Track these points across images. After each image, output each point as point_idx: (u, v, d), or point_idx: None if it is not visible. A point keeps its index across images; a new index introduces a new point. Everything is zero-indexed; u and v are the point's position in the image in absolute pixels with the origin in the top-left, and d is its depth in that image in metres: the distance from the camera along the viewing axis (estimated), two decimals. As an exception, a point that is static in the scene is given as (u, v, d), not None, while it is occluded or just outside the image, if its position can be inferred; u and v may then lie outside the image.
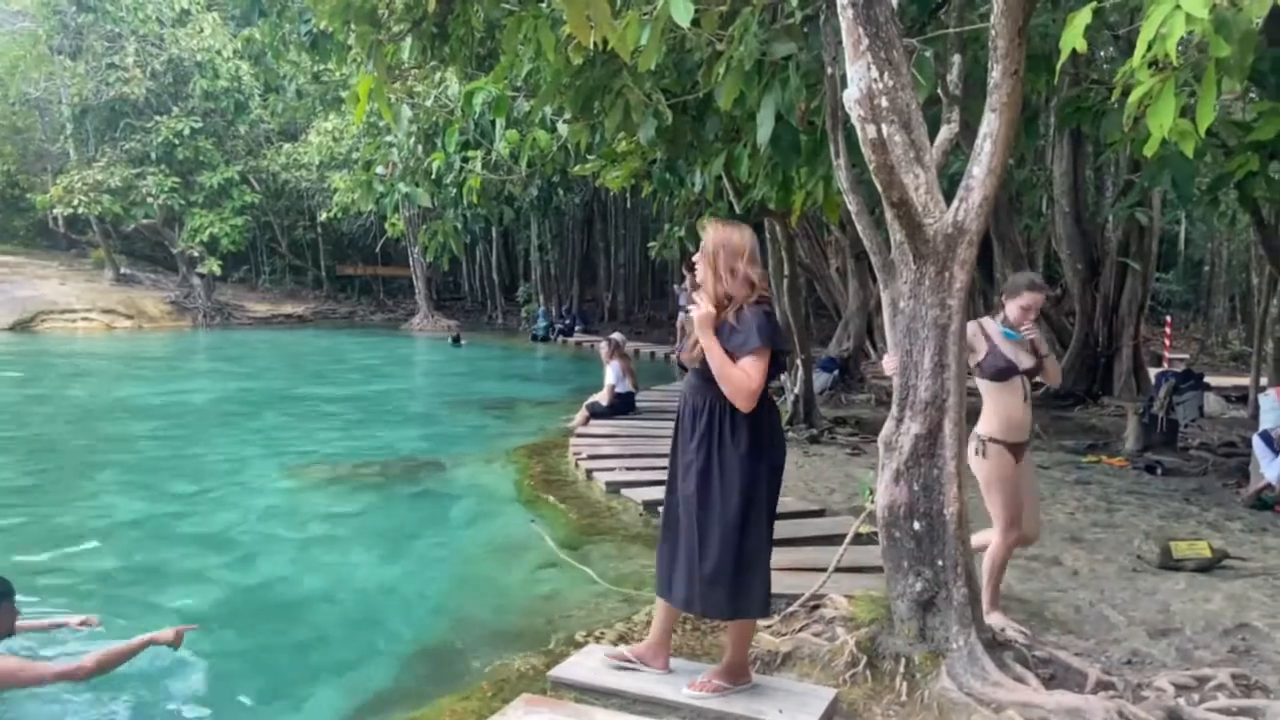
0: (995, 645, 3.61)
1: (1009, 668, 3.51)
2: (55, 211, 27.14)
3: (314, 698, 4.00)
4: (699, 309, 3.26)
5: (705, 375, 3.31)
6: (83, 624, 4.30)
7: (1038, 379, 4.47)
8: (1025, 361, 4.22)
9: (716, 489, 3.30)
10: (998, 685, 3.38)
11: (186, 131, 27.12)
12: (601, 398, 10.48)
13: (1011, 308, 4.25)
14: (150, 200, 26.70)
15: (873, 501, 3.86)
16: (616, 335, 11.70)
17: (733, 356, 3.21)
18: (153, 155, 27.16)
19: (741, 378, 3.18)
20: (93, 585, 5.46)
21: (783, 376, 10.64)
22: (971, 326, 4.09)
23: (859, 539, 4.50)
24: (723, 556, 3.29)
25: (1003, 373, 4.17)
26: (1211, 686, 3.61)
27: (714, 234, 3.34)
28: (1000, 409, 4.20)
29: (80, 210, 26.15)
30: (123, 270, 29.46)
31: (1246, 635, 4.29)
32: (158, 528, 6.79)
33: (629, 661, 3.63)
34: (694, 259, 3.39)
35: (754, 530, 3.31)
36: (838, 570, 4.41)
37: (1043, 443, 9.52)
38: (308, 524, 6.90)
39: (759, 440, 3.31)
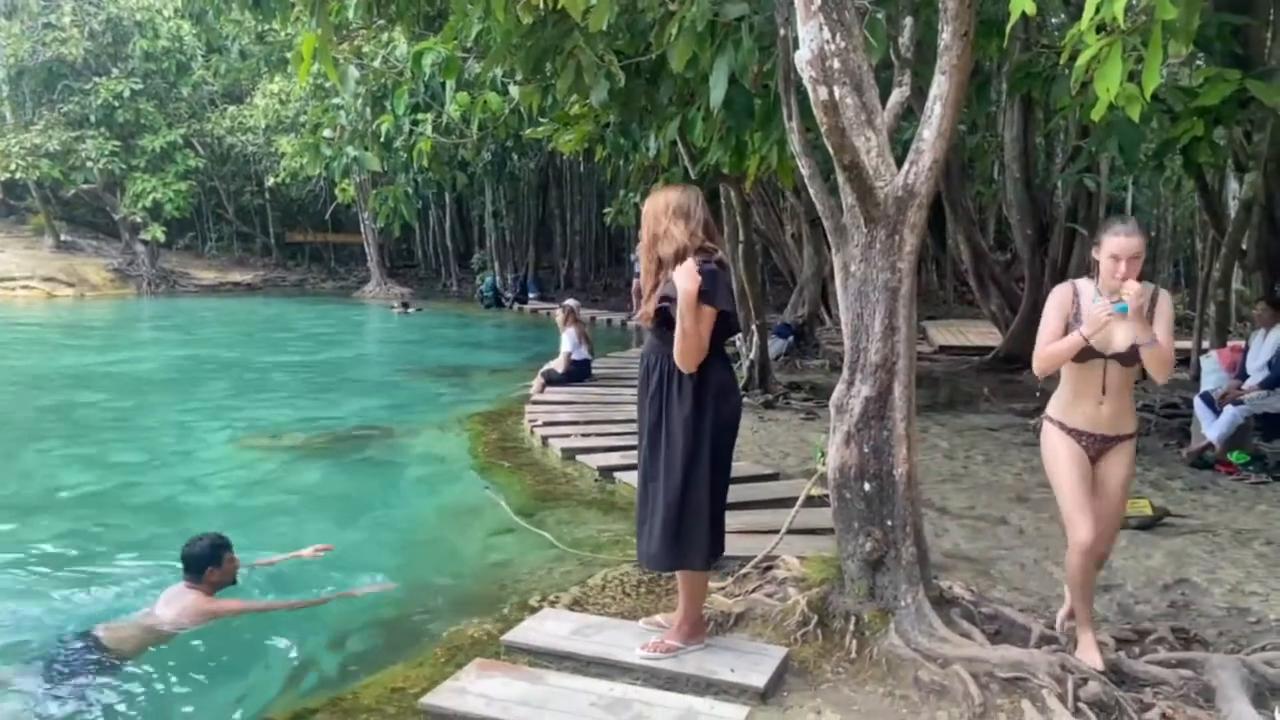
0: (942, 602, 3.68)
1: (955, 624, 3.58)
2: (-9, 176, 26.27)
3: (264, 667, 3.96)
4: (684, 276, 3.21)
5: (658, 335, 3.37)
6: (320, 551, 5.02)
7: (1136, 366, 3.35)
8: (1117, 341, 3.25)
9: (663, 445, 3.36)
10: (944, 641, 3.45)
11: (127, 93, 26.30)
12: (557, 365, 10.44)
13: (1102, 262, 3.28)
14: (90, 164, 25.91)
15: (824, 464, 3.90)
16: (571, 301, 11.63)
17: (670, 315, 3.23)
18: (92, 118, 26.33)
19: (691, 339, 3.19)
20: (40, 557, 5.34)
21: (737, 340, 10.67)
22: (1062, 289, 3.49)
23: (811, 501, 4.55)
24: (666, 510, 3.34)
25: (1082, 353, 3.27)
26: (1152, 640, 3.71)
27: (646, 204, 3.43)
28: (1068, 389, 3.46)
29: (18, 175, 25.29)
30: (63, 237, 28.63)
31: (1186, 590, 4.41)
32: (105, 498, 6.66)
33: (674, 648, 3.51)
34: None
35: (696, 485, 3.34)
36: (790, 532, 4.45)
37: (991, 405, 9.69)
38: (258, 494, 6.81)
39: (702, 398, 3.33)
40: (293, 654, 4.03)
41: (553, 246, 30.78)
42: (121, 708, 3.60)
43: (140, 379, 12.33)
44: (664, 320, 3.32)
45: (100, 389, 11.29)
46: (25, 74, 26.36)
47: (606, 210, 14.28)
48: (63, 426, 9.22)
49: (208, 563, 4.30)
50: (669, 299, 3.26)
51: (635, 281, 16.40)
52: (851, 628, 3.59)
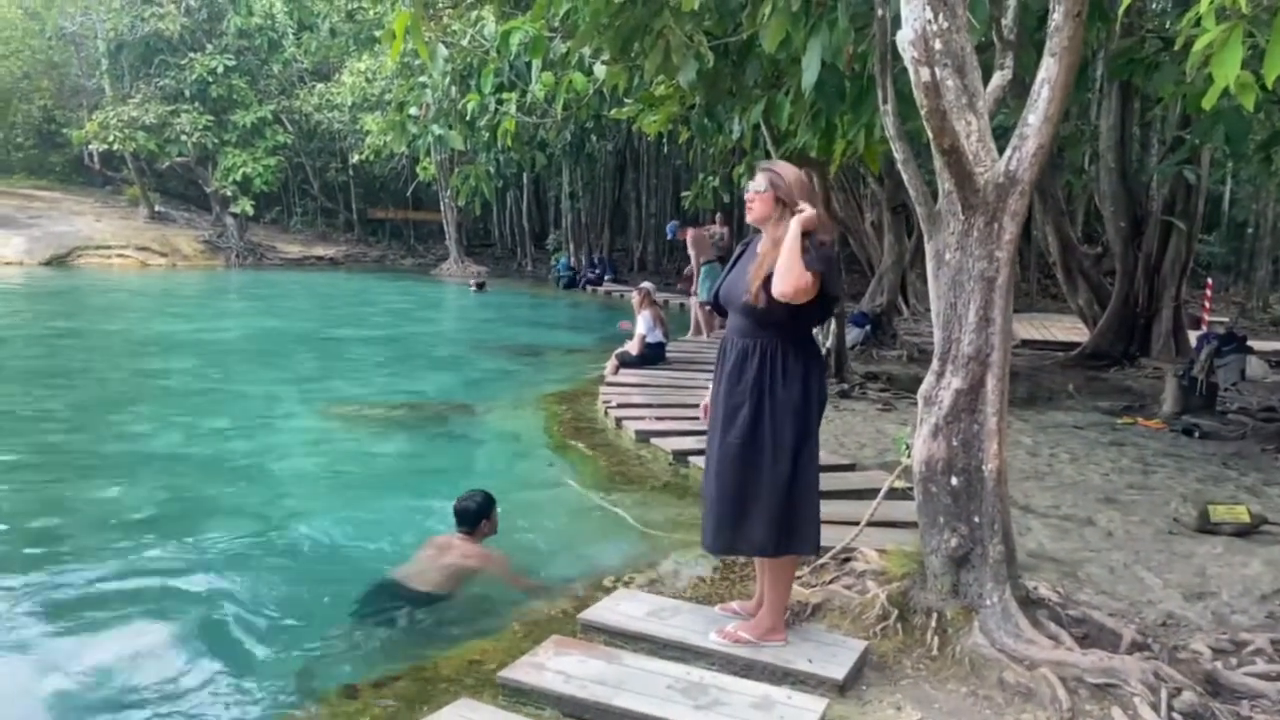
0: (1029, 603, 3.58)
1: (1042, 626, 3.48)
2: (90, 148, 27.30)
3: (347, 634, 4.05)
4: (805, 212, 3.21)
5: (757, 318, 3.28)
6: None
7: None
8: None
9: (768, 433, 3.29)
10: (1031, 643, 3.36)
11: (220, 69, 27.03)
12: (632, 347, 10.44)
13: None
14: (184, 138, 26.71)
15: (909, 456, 3.82)
16: (647, 284, 11.61)
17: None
18: (187, 93, 27.14)
19: (802, 276, 3.13)
20: (129, 517, 5.56)
21: (814, 331, 10.54)
22: None
23: (892, 493, 4.47)
24: (778, 494, 3.30)
25: None
26: (1249, 651, 3.56)
27: (787, 170, 3.35)
28: None
29: (115, 147, 26.23)
30: (157, 208, 29.64)
31: (1285, 601, 4.23)
32: (193, 463, 6.89)
33: (748, 642, 3.46)
34: (759, 189, 3.33)
35: (807, 465, 3.36)
36: (869, 524, 4.38)
37: (1077, 403, 9.41)
38: (340, 463, 6.97)
39: (810, 382, 3.32)
40: (370, 626, 4.11)
41: (627, 229, 30.77)
42: (207, 671, 3.72)
43: (228, 348, 12.72)
44: (770, 301, 3.23)
45: (191, 356, 11.68)
46: (124, 48, 27.31)
47: (685, 194, 14.20)
48: (156, 392, 9.56)
49: (481, 517, 4.64)
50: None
51: (687, 267, 16.23)
52: (933, 624, 3.52)
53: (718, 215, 18.03)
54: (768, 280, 3.20)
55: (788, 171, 3.34)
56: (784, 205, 3.28)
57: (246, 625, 4.11)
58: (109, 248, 26.14)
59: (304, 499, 6.03)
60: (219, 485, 6.31)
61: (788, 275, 3.13)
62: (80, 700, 3.50)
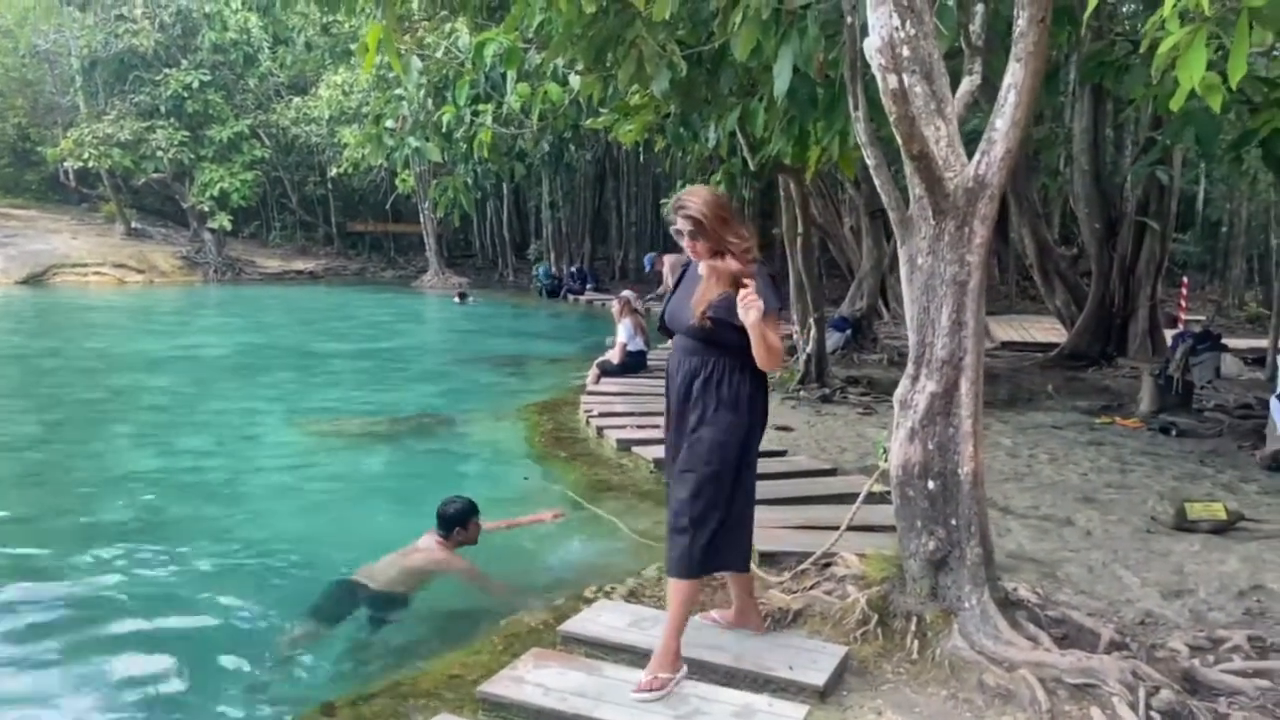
0: (1008, 605, 3.59)
1: (1022, 627, 3.50)
2: (66, 165, 27.08)
3: (325, 650, 4.02)
4: (751, 300, 3.09)
5: (703, 338, 3.28)
6: (556, 517, 5.52)
7: None
8: None
9: (716, 450, 3.26)
10: (1010, 644, 3.37)
11: (195, 84, 26.89)
12: (613, 355, 10.44)
13: None
14: (160, 154, 26.54)
15: (886, 460, 3.83)
16: (628, 293, 11.63)
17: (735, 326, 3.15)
18: (162, 108, 26.98)
19: (778, 348, 3.18)
20: (104, 535, 5.50)
21: (794, 334, 10.56)
22: None
23: (871, 498, 4.48)
24: (719, 511, 3.28)
25: None
26: (1227, 648, 3.59)
27: (701, 199, 3.25)
28: None
29: (91, 164, 26.04)
30: (134, 225, 29.43)
31: (1262, 597, 4.26)
32: (171, 480, 6.83)
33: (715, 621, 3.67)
34: (680, 230, 3.26)
35: (747, 484, 3.38)
36: (849, 529, 4.39)
37: (1055, 403, 9.47)
38: (319, 479, 6.93)
39: (755, 401, 3.35)
40: (353, 637, 4.08)
41: (608, 238, 30.79)
42: (182, 690, 3.69)
43: (207, 364, 12.63)
44: (714, 324, 3.23)
45: (168, 373, 11.59)
46: (98, 65, 27.13)
47: (663, 201, 14.23)
48: (132, 409, 9.48)
49: (456, 523, 4.70)
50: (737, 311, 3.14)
51: (664, 285, 16.54)
52: (913, 628, 3.52)
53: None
54: (710, 306, 3.21)
55: (700, 202, 3.23)
56: (716, 235, 3.23)
57: (223, 643, 4.07)
58: (85, 265, 25.92)
59: (282, 515, 5.99)
60: (196, 503, 6.25)
61: (769, 357, 3.17)
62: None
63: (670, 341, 3.54)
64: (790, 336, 10.92)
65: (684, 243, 3.28)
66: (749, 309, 3.08)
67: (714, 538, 3.25)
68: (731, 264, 3.23)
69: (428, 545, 4.69)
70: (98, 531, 5.59)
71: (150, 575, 4.90)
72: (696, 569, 3.27)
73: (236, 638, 4.16)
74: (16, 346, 13.85)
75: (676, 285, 3.51)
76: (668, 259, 14.82)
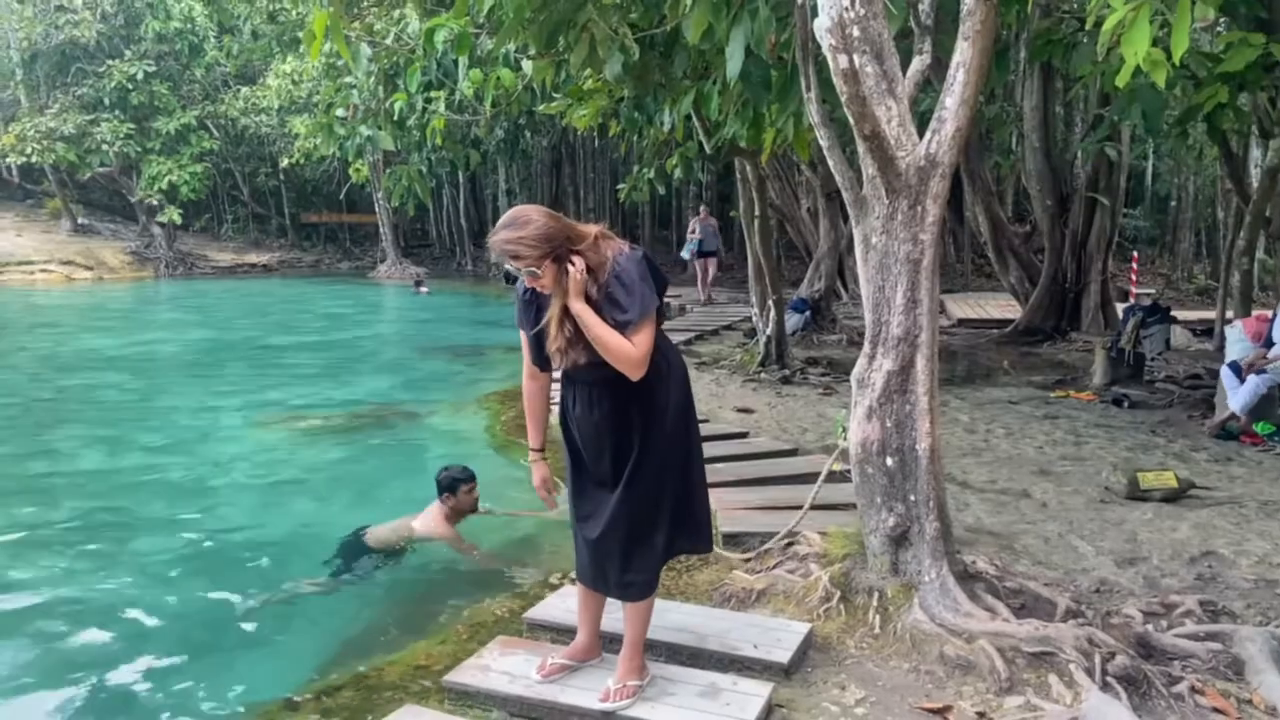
0: (967, 577, 3.65)
1: (980, 599, 3.55)
2: (8, 161, 26.32)
3: (286, 646, 3.98)
4: (576, 269, 2.74)
5: (597, 362, 2.82)
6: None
7: None
8: None
9: (658, 448, 2.94)
10: (969, 616, 3.42)
11: (140, 76, 26.26)
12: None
13: None
14: (106, 148, 25.93)
15: (845, 439, 3.86)
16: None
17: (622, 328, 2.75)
18: (106, 101, 26.33)
19: (625, 346, 2.73)
20: (59, 535, 5.40)
21: (754, 316, 10.60)
22: None
23: (832, 476, 4.52)
24: (688, 499, 3.06)
25: None
26: (1179, 613, 3.68)
27: (530, 229, 2.71)
28: None
29: (34, 159, 25.37)
30: (80, 220, 28.76)
31: (1213, 563, 4.37)
32: (123, 478, 6.71)
33: (565, 668, 3.21)
34: (520, 268, 2.74)
35: (698, 462, 3.11)
36: (811, 508, 4.43)
37: (1011, 378, 9.61)
38: (277, 474, 6.84)
39: (679, 403, 2.99)
40: (316, 631, 4.05)
41: (567, 224, 30.66)
42: (145, 689, 3.63)
43: (159, 361, 12.40)
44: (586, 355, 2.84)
45: (120, 371, 11.36)
46: (39, 57, 26.40)
47: (620, 187, 14.20)
48: (83, 409, 9.28)
49: (444, 489, 4.95)
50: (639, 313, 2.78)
51: (693, 256, 16.95)
52: (875, 603, 3.57)
53: (703, 208, 19.07)
54: (570, 344, 2.82)
55: (532, 231, 2.71)
56: (558, 259, 2.75)
57: (180, 640, 4.01)
58: (31, 263, 25.28)
59: (239, 512, 5.91)
60: (150, 501, 6.15)
61: (621, 360, 2.75)
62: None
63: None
64: (748, 319, 10.93)
65: (525, 280, 2.80)
66: (571, 293, 2.73)
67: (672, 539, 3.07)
68: (580, 263, 2.75)
69: (428, 512, 4.98)
70: (49, 531, 5.48)
71: (104, 574, 4.82)
72: (655, 584, 3.09)
73: (194, 634, 4.10)
74: (-39, 348, 13.49)
75: (536, 312, 2.94)
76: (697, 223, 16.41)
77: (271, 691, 3.47)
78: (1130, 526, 4.87)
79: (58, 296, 21.70)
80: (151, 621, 4.25)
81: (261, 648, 3.98)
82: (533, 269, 2.73)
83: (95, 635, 4.10)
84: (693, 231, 17.21)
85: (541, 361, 3.03)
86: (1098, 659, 3.15)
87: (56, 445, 7.69)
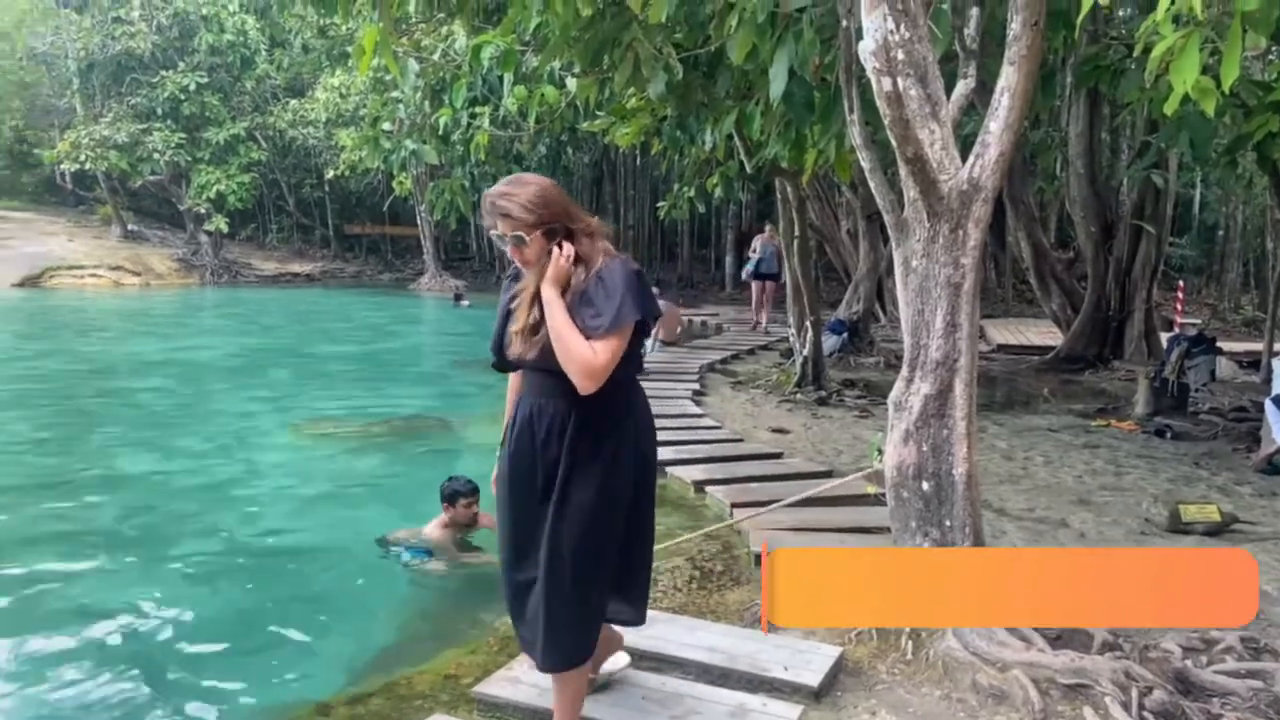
0: (1002, 606, 3.60)
1: (1015, 628, 3.50)
2: (62, 167, 27.05)
3: (321, 651, 4.03)
4: (562, 252, 2.49)
5: (558, 371, 2.48)
6: None
7: None
8: None
9: (587, 509, 2.57)
10: (1003, 645, 3.38)
11: (192, 87, 26.90)
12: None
13: None
14: (157, 156, 26.54)
15: (881, 461, 3.84)
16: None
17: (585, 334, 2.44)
18: (159, 111, 26.99)
19: (584, 351, 2.39)
20: (100, 537, 5.50)
21: (791, 337, 10.57)
22: None
23: (867, 499, 4.49)
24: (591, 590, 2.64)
25: None
26: (1220, 649, 3.60)
27: (532, 190, 2.50)
28: None
29: (87, 166, 26.03)
30: (130, 227, 29.42)
31: (1254, 599, 4.27)
32: (166, 482, 6.83)
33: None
34: (505, 233, 2.51)
35: (603, 560, 2.63)
36: (845, 531, 4.40)
37: (1051, 406, 9.49)
38: (315, 480, 6.92)
39: (620, 449, 2.60)
40: (348, 637, 4.09)
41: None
42: (179, 688, 3.69)
43: (203, 366, 12.62)
44: (543, 354, 2.53)
45: (164, 375, 11.58)
46: (95, 67, 27.14)
47: (660, 205, 14.27)
48: (130, 411, 9.47)
49: (443, 500, 5.07)
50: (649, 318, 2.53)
51: (749, 277, 15.93)
52: (907, 629, 3.53)
53: (768, 227, 17.39)
54: (536, 328, 2.52)
55: (530, 193, 2.49)
56: (555, 233, 2.50)
57: (216, 641, 4.08)
58: (82, 268, 25.88)
59: (278, 517, 5.99)
60: (191, 504, 6.25)
61: (573, 362, 2.41)
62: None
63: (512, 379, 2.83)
64: (786, 339, 10.90)
65: (508, 250, 2.56)
66: (548, 276, 2.47)
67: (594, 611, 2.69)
68: (568, 248, 2.50)
69: (434, 520, 5.15)
70: (95, 533, 5.59)
71: (144, 574, 4.90)
72: (587, 650, 2.70)
73: (229, 636, 4.16)
74: (12, 349, 13.82)
75: (510, 304, 2.68)
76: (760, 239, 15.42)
77: (304, 695, 3.52)
78: (1171, 560, 4.78)
79: (107, 301, 22.18)
80: (188, 622, 4.32)
81: (294, 651, 4.02)
82: (519, 235, 2.47)
83: (132, 634, 4.17)
84: (753, 250, 15.78)
85: (499, 348, 2.67)
86: (1134, 693, 3.10)
87: (104, 447, 7.85)
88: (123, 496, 6.38)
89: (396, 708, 3.30)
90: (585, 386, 2.41)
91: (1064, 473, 6.64)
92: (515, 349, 2.54)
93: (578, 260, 2.49)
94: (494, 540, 4.79)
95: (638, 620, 2.82)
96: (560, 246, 2.48)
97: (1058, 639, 3.57)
